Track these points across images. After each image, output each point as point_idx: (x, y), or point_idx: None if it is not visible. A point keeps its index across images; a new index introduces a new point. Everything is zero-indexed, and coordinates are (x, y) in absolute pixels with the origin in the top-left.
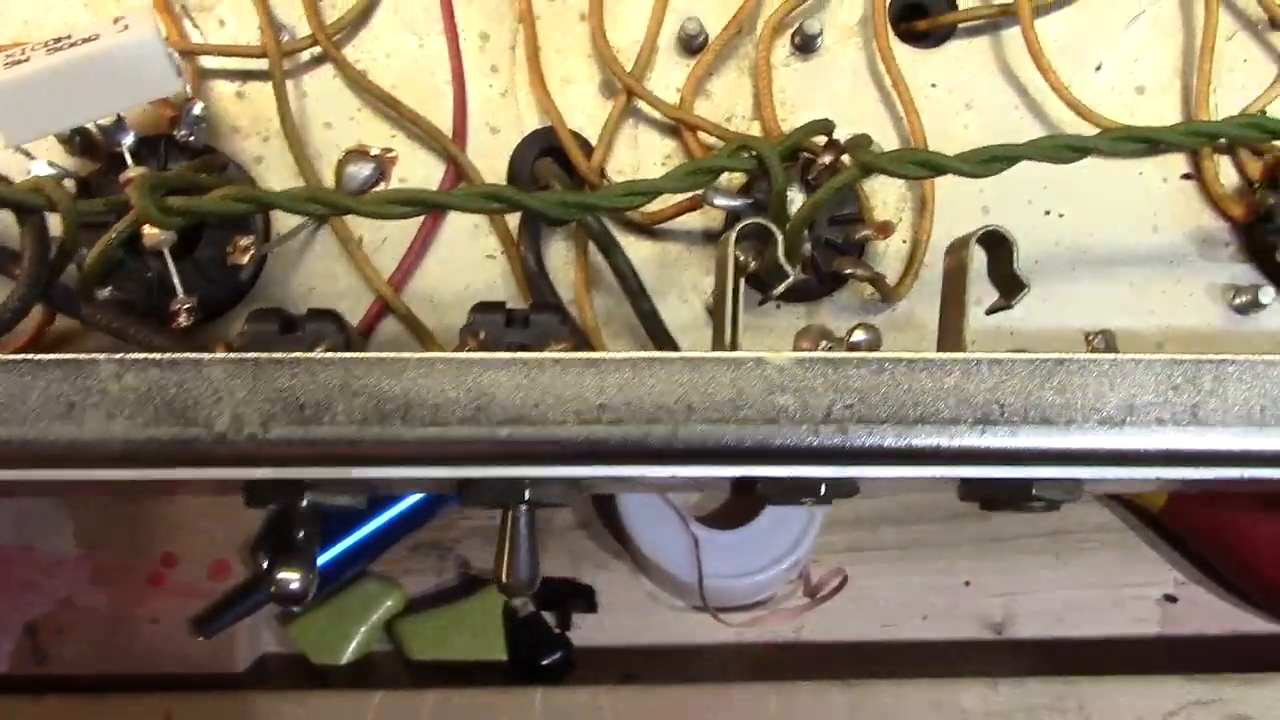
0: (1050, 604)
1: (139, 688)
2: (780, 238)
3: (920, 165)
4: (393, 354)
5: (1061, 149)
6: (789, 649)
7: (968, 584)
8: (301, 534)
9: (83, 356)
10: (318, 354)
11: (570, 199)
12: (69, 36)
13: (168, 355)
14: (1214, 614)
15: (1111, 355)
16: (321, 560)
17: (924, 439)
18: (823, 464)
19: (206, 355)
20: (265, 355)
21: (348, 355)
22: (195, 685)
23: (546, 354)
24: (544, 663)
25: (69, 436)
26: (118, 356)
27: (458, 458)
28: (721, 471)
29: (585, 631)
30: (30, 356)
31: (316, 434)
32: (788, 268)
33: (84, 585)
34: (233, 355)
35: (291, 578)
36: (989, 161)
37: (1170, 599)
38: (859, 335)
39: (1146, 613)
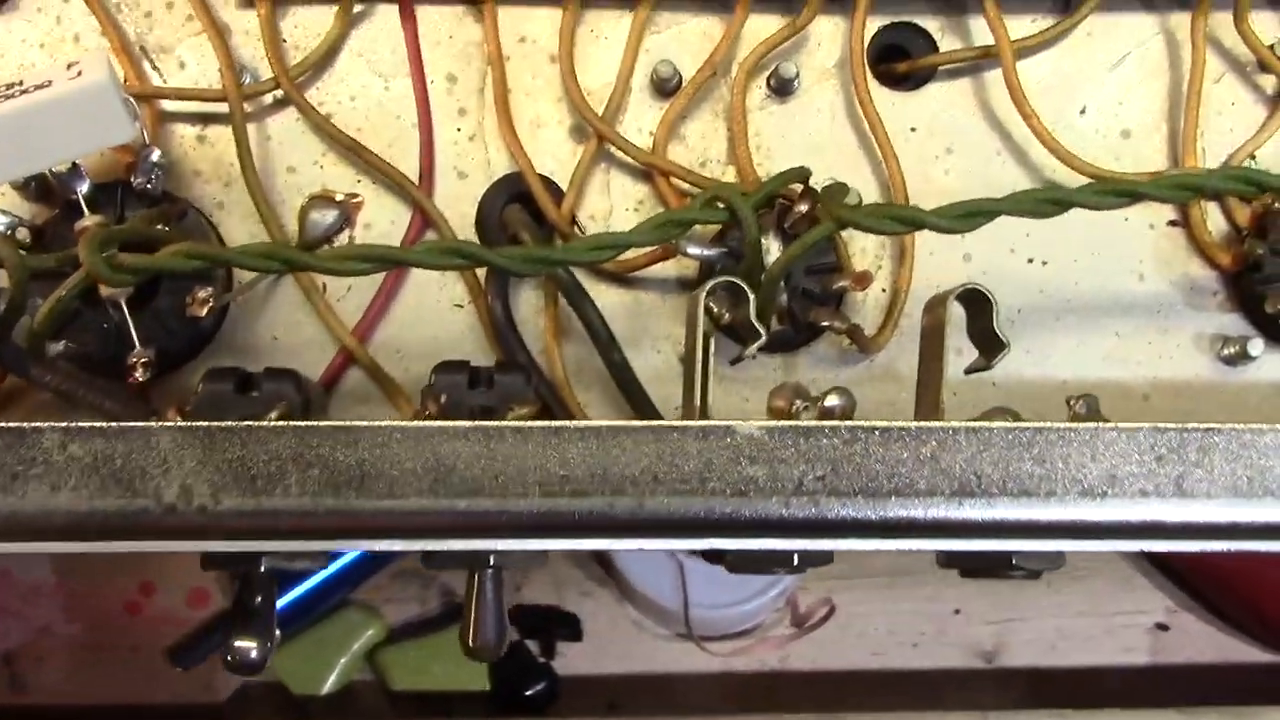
0: (1042, 632)
1: (119, 718)
2: (753, 298)
3: (897, 220)
4: (348, 423)
5: (1042, 203)
6: (775, 678)
7: (958, 612)
8: (259, 599)
9: (26, 425)
10: (269, 423)
11: (536, 254)
12: (20, 83)
13: (114, 424)
14: (1207, 643)
15: (1093, 424)
16: (301, 590)
17: (899, 511)
18: (794, 537)
19: (155, 424)
20: (216, 425)
21: (301, 424)
22: (176, 715)
23: (507, 423)
24: (528, 693)
25: (10, 508)
26: (62, 425)
27: (415, 531)
28: (689, 544)
29: (570, 660)
30: None
31: (268, 505)
32: (760, 328)
33: (62, 613)
34: (182, 424)
35: (248, 646)
36: (968, 216)
37: (1162, 627)
38: (832, 400)
39: (1138, 641)
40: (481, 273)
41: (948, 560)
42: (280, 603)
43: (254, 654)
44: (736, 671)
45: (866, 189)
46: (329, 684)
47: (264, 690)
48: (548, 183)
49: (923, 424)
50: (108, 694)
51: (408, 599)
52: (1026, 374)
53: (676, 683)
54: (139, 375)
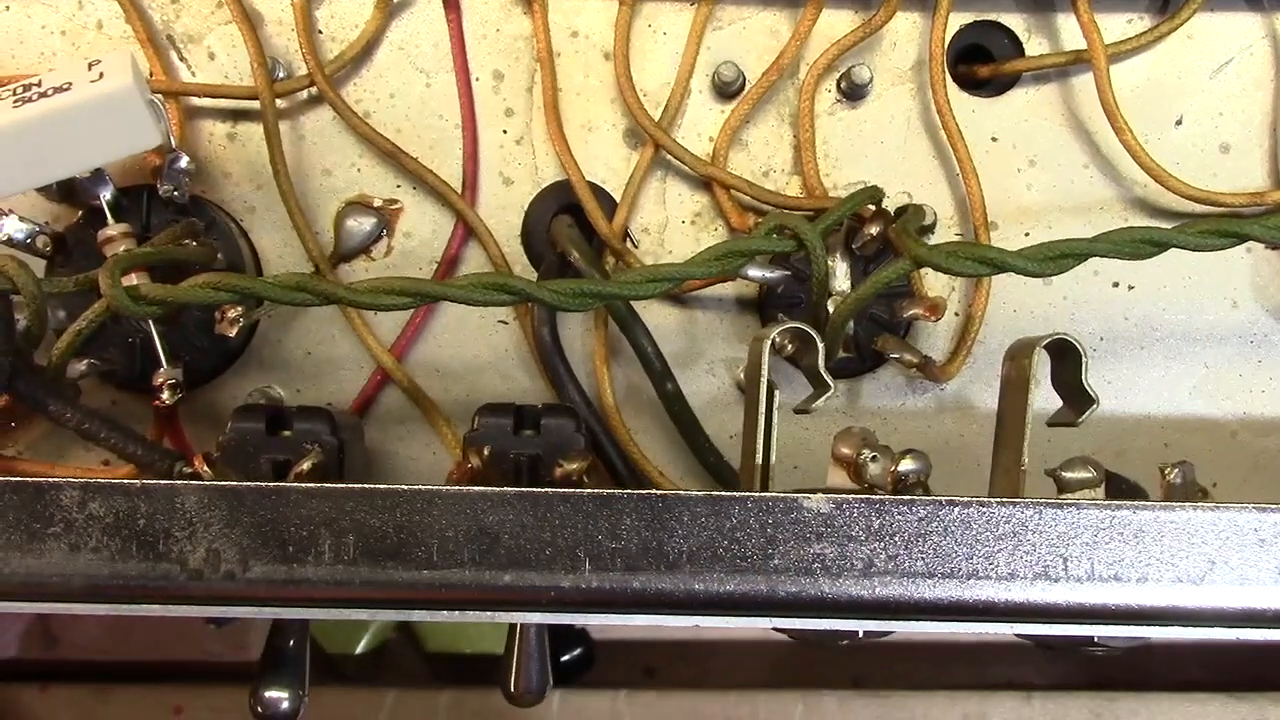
0: None
1: (150, 675)
2: (821, 347)
3: (980, 262)
4: (386, 486)
5: (1139, 243)
6: (812, 650)
7: None
8: (292, 644)
9: (44, 480)
10: (303, 484)
11: (588, 289)
12: (38, 83)
13: (137, 482)
14: None
15: (1191, 505)
16: None
17: (975, 594)
18: (861, 618)
19: (180, 482)
20: (245, 485)
21: (336, 486)
22: (207, 674)
23: (556, 490)
24: (564, 658)
25: (26, 570)
26: (81, 481)
27: (456, 603)
28: (750, 623)
29: (605, 625)
30: None
31: (300, 574)
32: (829, 380)
33: None
34: (209, 483)
35: (279, 697)
36: (1058, 259)
37: None
38: (907, 465)
39: None
40: None
41: (1024, 635)
42: None
43: (285, 705)
44: (775, 640)
45: (941, 204)
46: (363, 644)
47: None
48: (599, 192)
49: (1004, 500)
50: (140, 651)
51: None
52: (1108, 407)
53: (712, 649)
54: (165, 398)
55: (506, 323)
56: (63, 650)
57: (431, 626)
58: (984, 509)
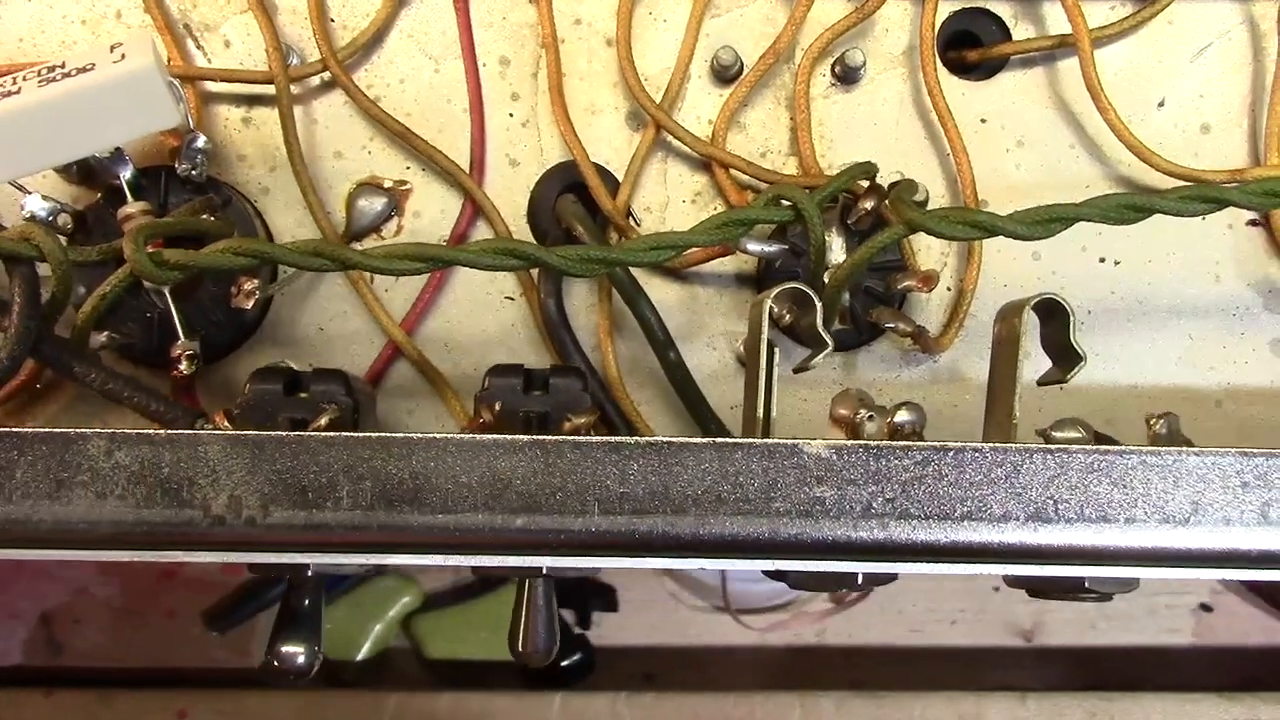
0: (1082, 611)
1: (153, 682)
2: (819, 307)
3: (971, 226)
4: (402, 435)
5: (1124, 208)
6: (811, 653)
7: (997, 589)
8: (307, 602)
9: (71, 431)
10: (321, 433)
11: (594, 254)
12: (62, 65)
13: (162, 432)
14: (1251, 624)
15: (1176, 449)
16: None
17: (971, 535)
18: (861, 560)
19: (204, 432)
20: (265, 435)
21: (353, 435)
22: (210, 680)
23: (566, 437)
24: (564, 664)
25: (54, 516)
26: (108, 432)
27: (470, 547)
28: (753, 564)
29: (605, 630)
30: (16, 430)
31: (319, 519)
32: (826, 338)
33: (98, 576)
34: (231, 433)
35: (296, 651)
36: (1046, 223)
37: (1205, 608)
38: (903, 416)
39: (1180, 622)
40: None
41: (1016, 581)
42: None
43: (301, 659)
44: (773, 646)
45: (933, 182)
46: (364, 650)
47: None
48: (602, 172)
49: (997, 445)
50: (143, 658)
51: (443, 566)
52: (1096, 377)
53: (711, 655)
54: (184, 368)
55: (513, 299)
56: (67, 657)
57: (432, 633)
58: (978, 453)
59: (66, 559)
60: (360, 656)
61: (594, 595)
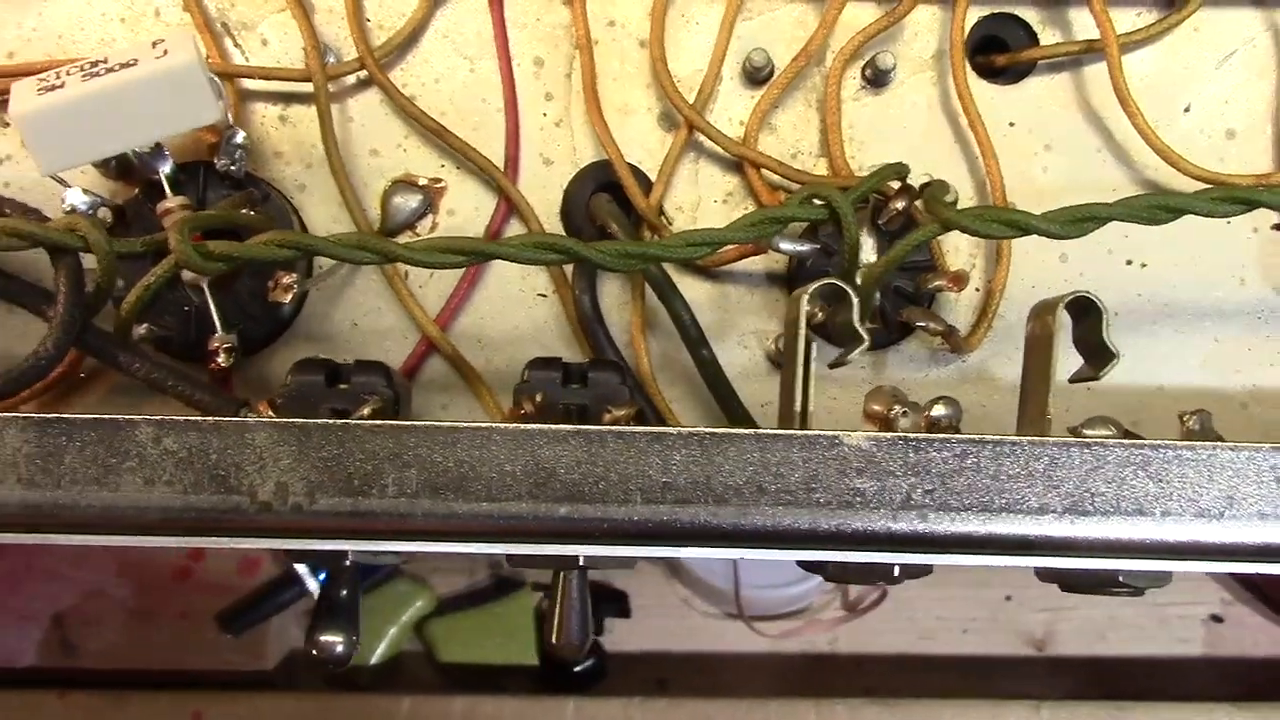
0: (1093, 621)
1: (167, 683)
2: (856, 303)
3: (1005, 224)
4: (447, 423)
5: (1155, 209)
6: (823, 661)
7: (1009, 598)
8: (344, 592)
9: (120, 418)
10: (367, 421)
11: (632, 249)
12: (105, 60)
13: (209, 419)
14: (1261, 635)
15: (1210, 444)
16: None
17: (1009, 528)
18: (900, 551)
19: (251, 419)
20: (312, 422)
21: (399, 424)
22: (224, 682)
23: (609, 427)
24: (576, 669)
25: (103, 502)
26: (156, 419)
27: (514, 535)
28: (793, 555)
29: (617, 636)
30: (65, 416)
31: (365, 506)
32: (863, 333)
33: (112, 577)
34: (278, 420)
35: (335, 640)
36: (1078, 222)
37: (1216, 619)
38: (940, 410)
39: (1191, 632)
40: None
41: (1049, 575)
42: None
43: (340, 648)
44: (785, 653)
45: (962, 185)
46: (378, 654)
47: (312, 659)
48: (635, 172)
49: (1035, 439)
50: (156, 659)
51: (456, 570)
52: (1121, 379)
53: (723, 661)
54: (221, 361)
55: (545, 296)
56: (80, 658)
57: (445, 637)
58: (1015, 446)
59: (113, 544)
60: (374, 660)
61: (606, 601)
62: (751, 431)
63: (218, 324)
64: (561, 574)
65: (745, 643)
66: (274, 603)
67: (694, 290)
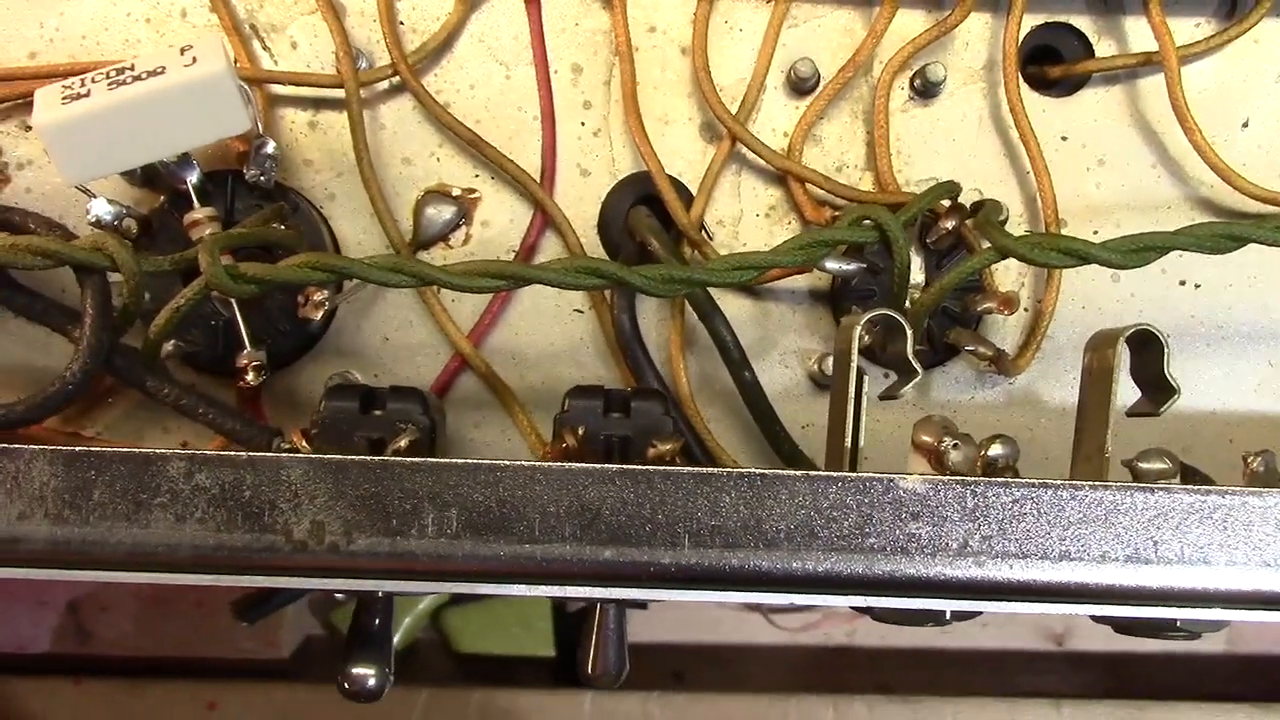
0: None
1: (182, 671)
2: (910, 335)
3: (1064, 254)
4: (489, 461)
5: (1219, 238)
6: (841, 653)
7: None
8: (377, 623)
9: (151, 452)
10: (406, 459)
11: (677, 274)
12: (131, 67)
13: (243, 454)
14: None
15: (1277, 491)
16: None
17: (1068, 575)
18: (954, 598)
19: (285, 454)
20: (349, 458)
21: (439, 461)
22: (239, 670)
23: (656, 468)
24: None
25: (133, 539)
26: (188, 453)
27: (557, 577)
28: (844, 600)
29: (634, 627)
30: (94, 449)
31: (404, 547)
32: (917, 366)
33: None
34: (313, 456)
35: (366, 673)
36: (1140, 251)
37: None
38: (997, 450)
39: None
40: None
41: (1104, 619)
42: None
43: (372, 681)
44: (803, 645)
45: (1011, 201)
46: (394, 643)
47: (327, 647)
48: (675, 184)
49: (1096, 484)
50: (171, 647)
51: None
52: (1176, 405)
53: (740, 653)
54: (250, 379)
55: (582, 311)
56: (95, 645)
57: (462, 627)
58: (1076, 492)
59: (147, 582)
60: None
61: None
62: (803, 474)
63: (246, 340)
64: (598, 604)
65: (761, 635)
66: (289, 591)
67: (734, 307)
